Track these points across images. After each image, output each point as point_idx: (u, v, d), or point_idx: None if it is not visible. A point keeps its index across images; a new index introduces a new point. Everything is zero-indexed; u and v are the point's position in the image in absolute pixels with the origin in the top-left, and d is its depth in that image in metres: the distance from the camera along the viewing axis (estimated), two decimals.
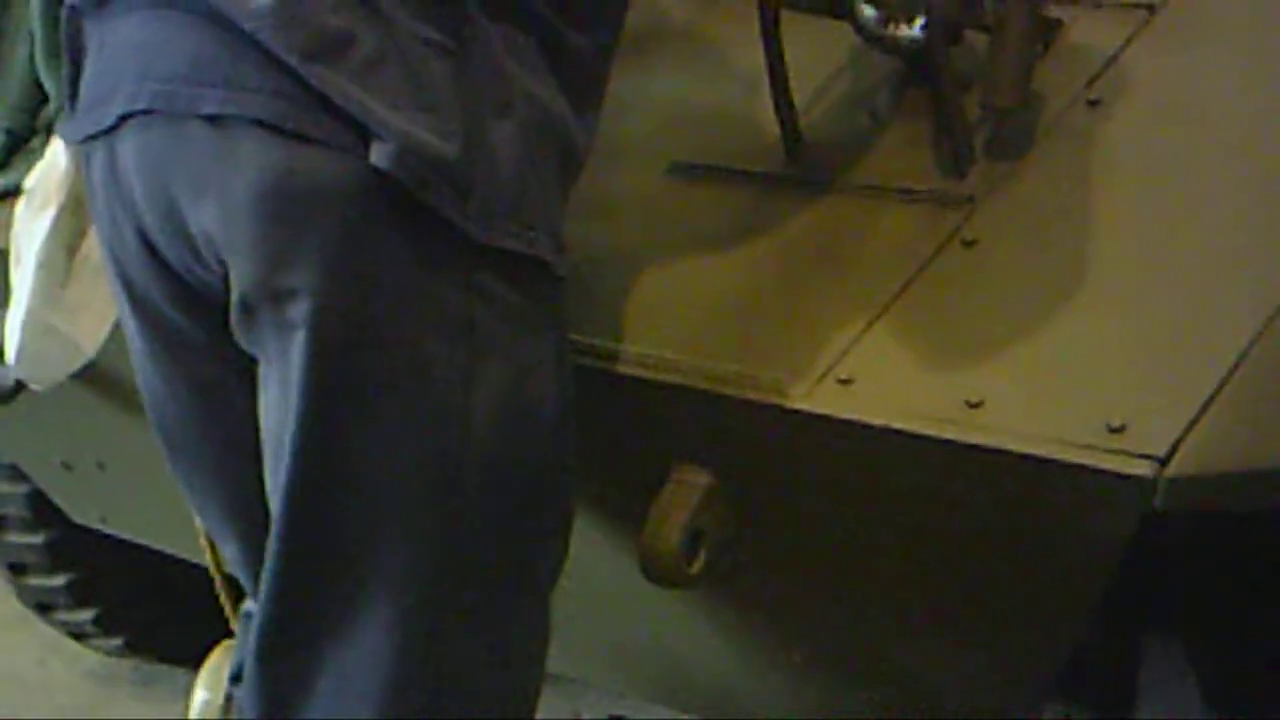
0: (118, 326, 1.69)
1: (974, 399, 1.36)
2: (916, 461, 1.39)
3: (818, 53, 1.70)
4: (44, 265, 1.75)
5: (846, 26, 1.58)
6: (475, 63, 1.28)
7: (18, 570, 2.84)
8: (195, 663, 2.36)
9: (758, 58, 1.61)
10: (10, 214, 1.82)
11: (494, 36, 1.30)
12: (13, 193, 1.86)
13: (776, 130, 1.64)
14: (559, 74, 1.36)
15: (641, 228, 1.68)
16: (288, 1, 1.23)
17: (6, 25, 2.12)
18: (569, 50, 1.38)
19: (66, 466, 2.47)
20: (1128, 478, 1.27)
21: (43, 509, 2.69)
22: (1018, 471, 1.33)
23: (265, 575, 1.36)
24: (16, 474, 2.67)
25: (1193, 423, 1.28)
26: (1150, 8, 1.65)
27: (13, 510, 2.75)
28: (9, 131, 2.09)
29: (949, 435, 1.36)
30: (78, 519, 2.61)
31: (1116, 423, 1.30)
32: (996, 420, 1.35)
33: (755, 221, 1.62)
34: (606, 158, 1.64)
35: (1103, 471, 1.29)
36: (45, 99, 2.09)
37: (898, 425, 1.38)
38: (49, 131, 1.99)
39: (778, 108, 1.62)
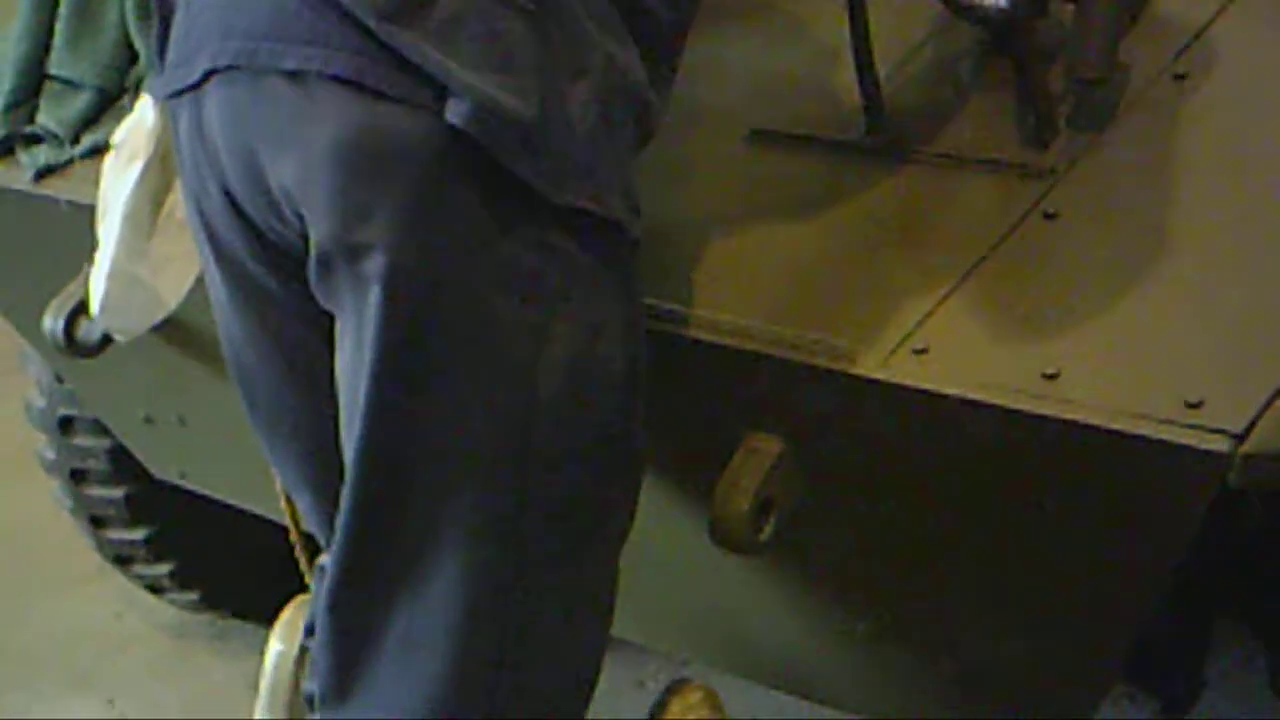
0: (200, 281, 1.71)
1: (1050, 371, 1.36)
2: (990, 432, 1.38)
3: (900, 22, 1.69)
4: (130, 218, 1.78)
5: None
6: (554, 24, 1.28)
7: (98, 523, 2.88)
8: (271, 617, 2.39)
9: (839, 27, 1.59)
10: (99, 170, 1.85)
11: None
12: (102, 149, 1.89)
13: (857, 99, 1.62)
14: (636, 38, 1.36)
15: (720, 194, 1.67)
16: None
17: None
18: (647, 15, 1.38)
19: (148, 421, 2.49)
20: (1204, 453, 1.26)
21: (123, 463, 2.72)
22: (1092, 445, 1.32)
23: (337, 527, 1.37)
24: (99, 428, 2.71)
25: (1271, 399, 1.27)
26: None
27: (94, 464, 2.78)
28: (100, 90, 2.12)
29: (1024, 406, 1.35)
30: (158, 474, 2.64)
31: (1194, 398, 1.29)
32: (1073, 393, 1.34)
33: (834, 190, 1.61)
34: (686, 123, 1.64)
35: (1179, 446, 1.28)
36: (135, 58, 2.11)
37: (972, 395, 1.37)
38: (138, 89, 2.02)
39: (861, 77, 1.60)
